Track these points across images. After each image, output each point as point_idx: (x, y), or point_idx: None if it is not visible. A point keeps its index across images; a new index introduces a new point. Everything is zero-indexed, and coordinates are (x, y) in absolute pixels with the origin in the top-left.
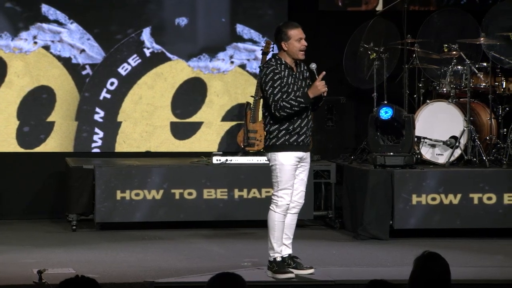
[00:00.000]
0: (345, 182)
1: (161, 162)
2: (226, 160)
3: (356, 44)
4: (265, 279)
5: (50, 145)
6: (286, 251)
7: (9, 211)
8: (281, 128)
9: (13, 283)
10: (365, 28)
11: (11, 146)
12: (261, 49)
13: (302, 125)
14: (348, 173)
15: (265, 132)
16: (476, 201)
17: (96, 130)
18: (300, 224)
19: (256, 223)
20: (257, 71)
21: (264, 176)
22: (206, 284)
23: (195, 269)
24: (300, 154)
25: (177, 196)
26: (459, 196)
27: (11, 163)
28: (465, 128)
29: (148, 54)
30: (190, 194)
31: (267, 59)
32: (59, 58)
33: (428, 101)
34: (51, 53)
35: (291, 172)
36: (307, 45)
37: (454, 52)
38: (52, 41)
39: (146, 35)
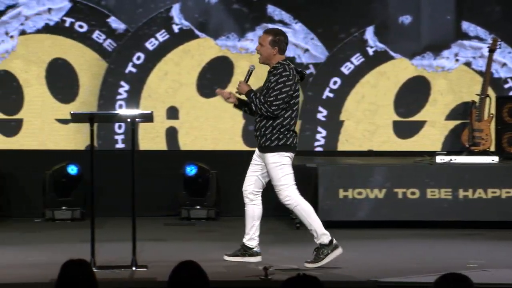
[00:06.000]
0: None
1: (384, 161)
2: (450, 159)
3: None
4: (490, 281)
5: None
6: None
7: (238, 208)
8: None
9: (239, 279)
10: None
11: (237, 144)
12: (488, 47)
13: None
14: None
15: None
16: None
17: (319, 129)
18: None
19: (482, 224)
20: (483, 69)
21: (490, 176)
22: (433, 284)
23: (419, 269)
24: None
25: (399, 196)
26: None
27: (238, 161)
28: None
29: (371, 53)
30: (413, 193)
31: (493, 57)
32: None
33: None
34: None
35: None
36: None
37: None
38: None
39: (369, 34)
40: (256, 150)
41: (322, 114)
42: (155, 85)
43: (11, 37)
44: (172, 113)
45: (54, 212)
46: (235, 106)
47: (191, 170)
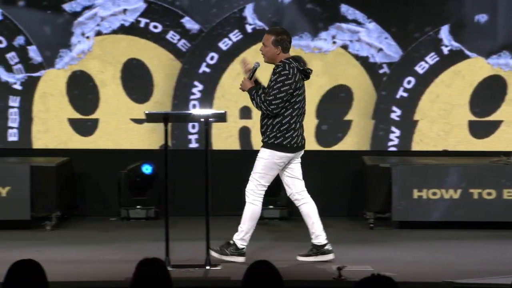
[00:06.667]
0: None
1: (459, 161)
2: None
3: None
4: None
5: (347, 144)
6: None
7: None
8: None
9: (313, 278)
10: None
11: (310, 144)
12: None
13: None
14: None
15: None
16: None
17: (393, 128)
18: None
19: None
20: None
21: None
22: (509, 286)
23: (494, 271)
24: None
25: (475, 196)
26: None
27: (310, 161)
28: None
29: (446, 52)
30: (489, 194)
31: None
32: (356, 57)
33: None
34: (349, 52)
35: None
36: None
37: None
38: (350, 41)
39: (444, 33)
40: None
41: (396, 113)
42: (228, 85)
43: (87, 37)
44: (245, 113)
45: (129, 211)
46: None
47: None
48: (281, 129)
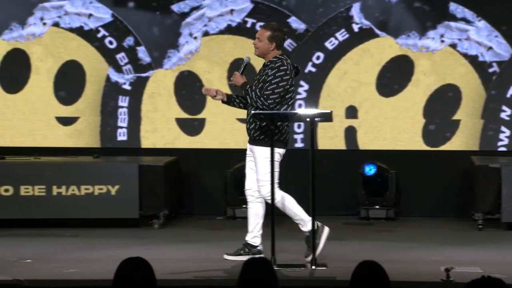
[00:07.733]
0: None
1: None
2: None
3: None
4: None
5: (455, 144)
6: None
7: (417, 209)
8: None
9: (421, 280)
10: None
11: (417, 144)
12: None
13: None
14: None
15: None
16: None
17: (503, 128)
18: None
19: None
20: None
21: None
22: None
23: None
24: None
25: None
26: None
27: (417, 161)
28: None
29: None
30: None
31: None
32: (465, 56)
33: None
34: (457, 51)
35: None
36: (254, 43)
37: None
38: (459, 39)
39: None
40: (248, 145)
41: (506, 113)
42: (334, 85)
43: (195, 38)
44: (351, 112)
45: (235, 210)
46: (224, 102)
47: (370, 170)
48: (277, 124)
